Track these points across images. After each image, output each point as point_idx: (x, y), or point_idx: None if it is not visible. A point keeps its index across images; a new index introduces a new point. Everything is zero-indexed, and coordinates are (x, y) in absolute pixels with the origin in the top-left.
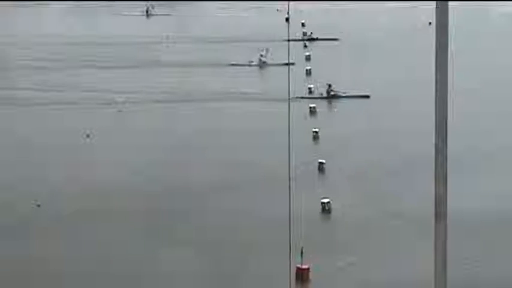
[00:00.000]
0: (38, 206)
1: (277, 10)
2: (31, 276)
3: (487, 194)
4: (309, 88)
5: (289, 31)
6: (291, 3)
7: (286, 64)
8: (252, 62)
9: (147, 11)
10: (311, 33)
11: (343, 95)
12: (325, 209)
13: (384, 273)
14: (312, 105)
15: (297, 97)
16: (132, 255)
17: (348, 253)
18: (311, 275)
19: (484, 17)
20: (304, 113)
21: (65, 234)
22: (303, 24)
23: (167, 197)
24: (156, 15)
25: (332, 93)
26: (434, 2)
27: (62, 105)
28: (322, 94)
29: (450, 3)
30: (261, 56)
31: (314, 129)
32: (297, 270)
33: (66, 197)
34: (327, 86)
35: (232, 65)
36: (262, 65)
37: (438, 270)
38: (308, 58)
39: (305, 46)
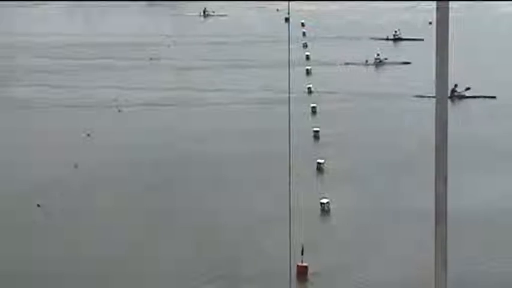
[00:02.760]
0: (38, 206)
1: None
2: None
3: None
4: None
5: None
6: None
7: (404, 63)
8: (367, 61)
9: (204, 12)
10: (395, 31)
11: (468, 95)
12: None
13: (384, 272)
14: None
15: (416, 95)
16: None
17: (348, 253)
18: (309, 273)
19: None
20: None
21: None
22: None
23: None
24: (213, 15)
25: (456, 93)
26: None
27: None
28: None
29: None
30: (377, 55)
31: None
32: (297, 268)
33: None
34: (453, 86)
35: (347, 63)
36: (378, 64)
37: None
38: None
39: (305, 46)
